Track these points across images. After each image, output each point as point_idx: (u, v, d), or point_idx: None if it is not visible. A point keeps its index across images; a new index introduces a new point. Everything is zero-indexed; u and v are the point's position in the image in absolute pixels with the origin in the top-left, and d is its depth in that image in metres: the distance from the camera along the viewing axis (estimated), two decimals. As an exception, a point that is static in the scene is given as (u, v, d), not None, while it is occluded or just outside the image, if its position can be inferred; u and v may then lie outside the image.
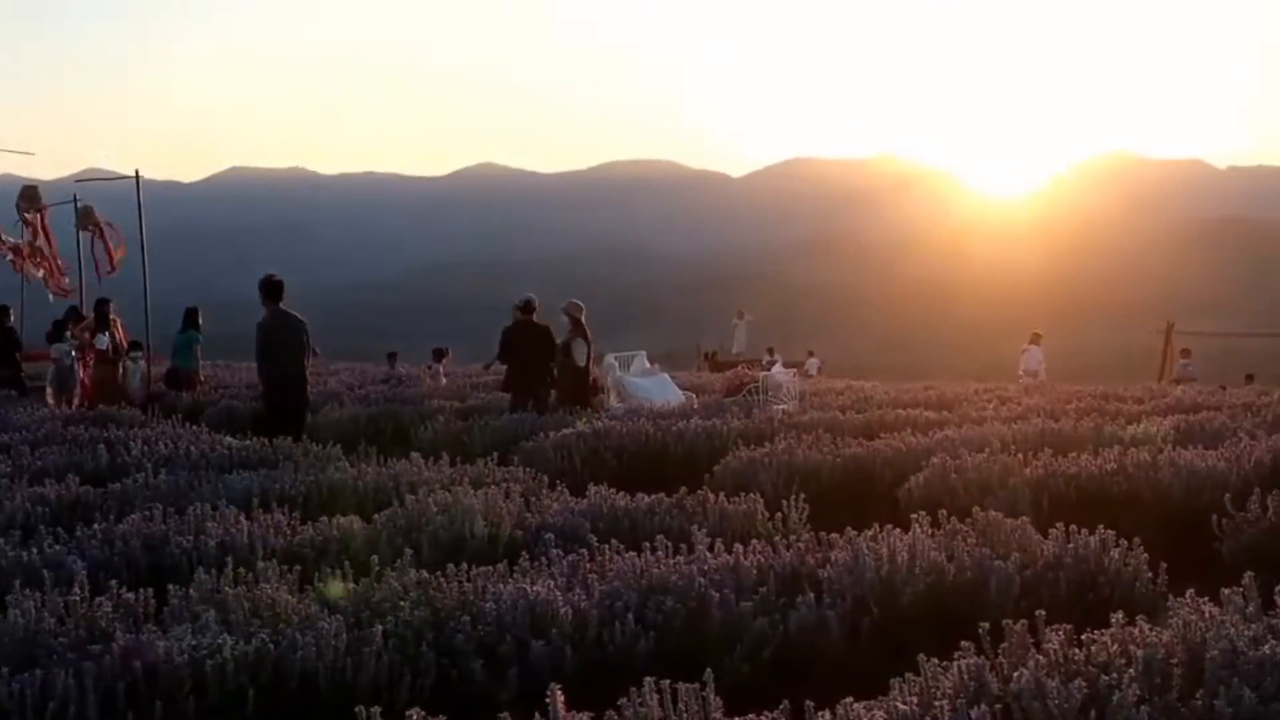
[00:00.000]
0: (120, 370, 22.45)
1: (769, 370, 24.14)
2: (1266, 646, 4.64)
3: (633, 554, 7.19)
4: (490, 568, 6.99)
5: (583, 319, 19.34)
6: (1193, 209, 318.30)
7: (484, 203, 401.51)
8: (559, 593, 6.40)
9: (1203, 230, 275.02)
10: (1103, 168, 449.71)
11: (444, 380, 27.81)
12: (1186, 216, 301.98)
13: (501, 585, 6.58)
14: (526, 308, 19.09)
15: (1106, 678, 4.46)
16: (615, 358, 21.12)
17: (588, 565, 7.11)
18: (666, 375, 21.87)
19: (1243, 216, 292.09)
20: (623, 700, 4.59)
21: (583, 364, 19.04)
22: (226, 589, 6.47)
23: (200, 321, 25.50)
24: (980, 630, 5.13)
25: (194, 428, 15.92)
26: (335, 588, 6.70)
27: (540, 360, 18.84)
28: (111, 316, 22.99)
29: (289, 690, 5.58)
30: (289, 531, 8.45)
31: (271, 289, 16.36)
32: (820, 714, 4.49)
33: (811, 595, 6.51)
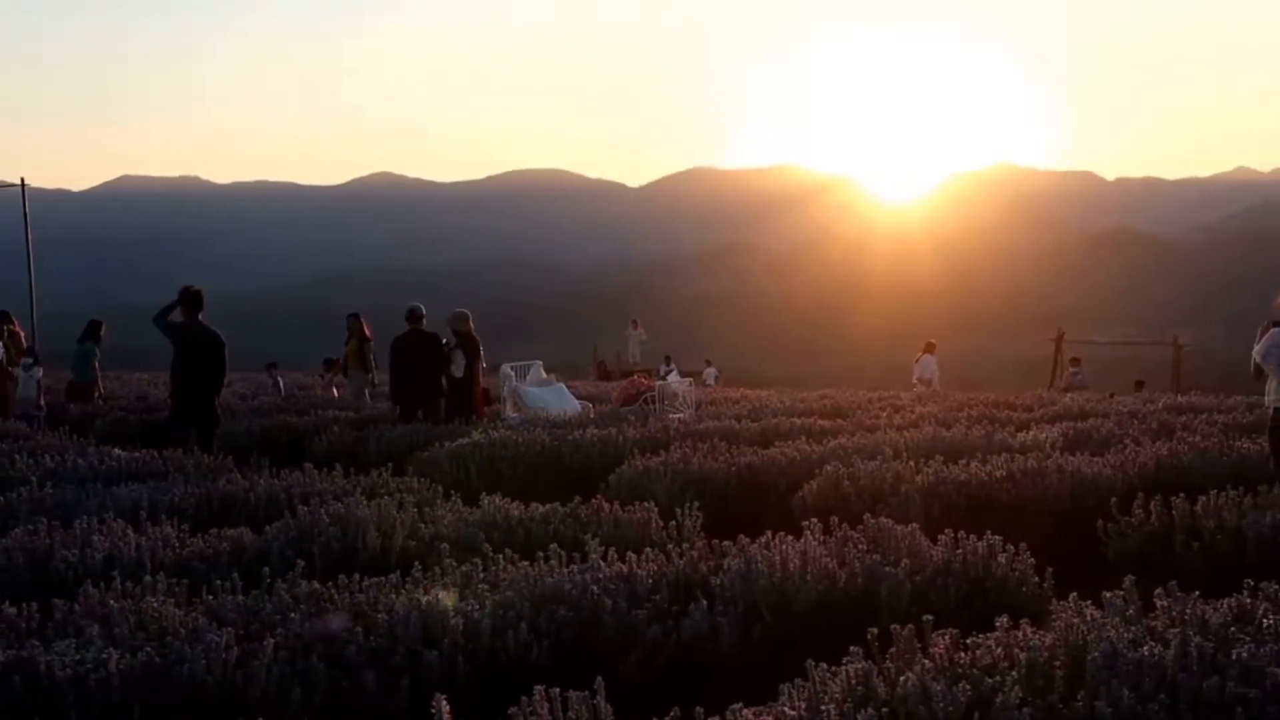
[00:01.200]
0: (10, 381, 22.00)
1: (665, 379, 24.23)
2: (1145, 648, 4.74)
3: (526, 563, 7.20)
4: (383, 578, 6.96)
5: (470, 329, 19.17)
6: (1083, 219, 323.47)
7: (381, 212, 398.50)
8: (451, 603, 6.39)
9: (1093, 240, 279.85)
10: (993, 177, 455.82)
11: (336, 391, 27.62)
12: (1078, 227, 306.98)
13: (394, 596, 6.56)
14: (412, 316, 18.91)
15: (991, 680, 4.53)
16: (511, 367, 21.06)
17: (481, 575, 7.11)
18: (563, 385, 21.82)
19: (1131, 227, 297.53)
20: (513, 709, 4.60)
21: (460, 375, 18.87)
22: (112, 602, 6.38)
23: (101, 334, 25.14)
24: (870, 635, 5.19)
25: (82, 440, 15.68)
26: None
27: (428, 369, 18.68)
28: (12, 328, 22.61)
29: (176, 704, 5.51)
30: (178, 544, 8.35)
31: (189, 300, 16.38)
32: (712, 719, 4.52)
33: (705, 603, 6.54)
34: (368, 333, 25.01)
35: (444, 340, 19.01)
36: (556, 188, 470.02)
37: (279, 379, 31.81)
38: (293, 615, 6.24)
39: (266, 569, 7.15)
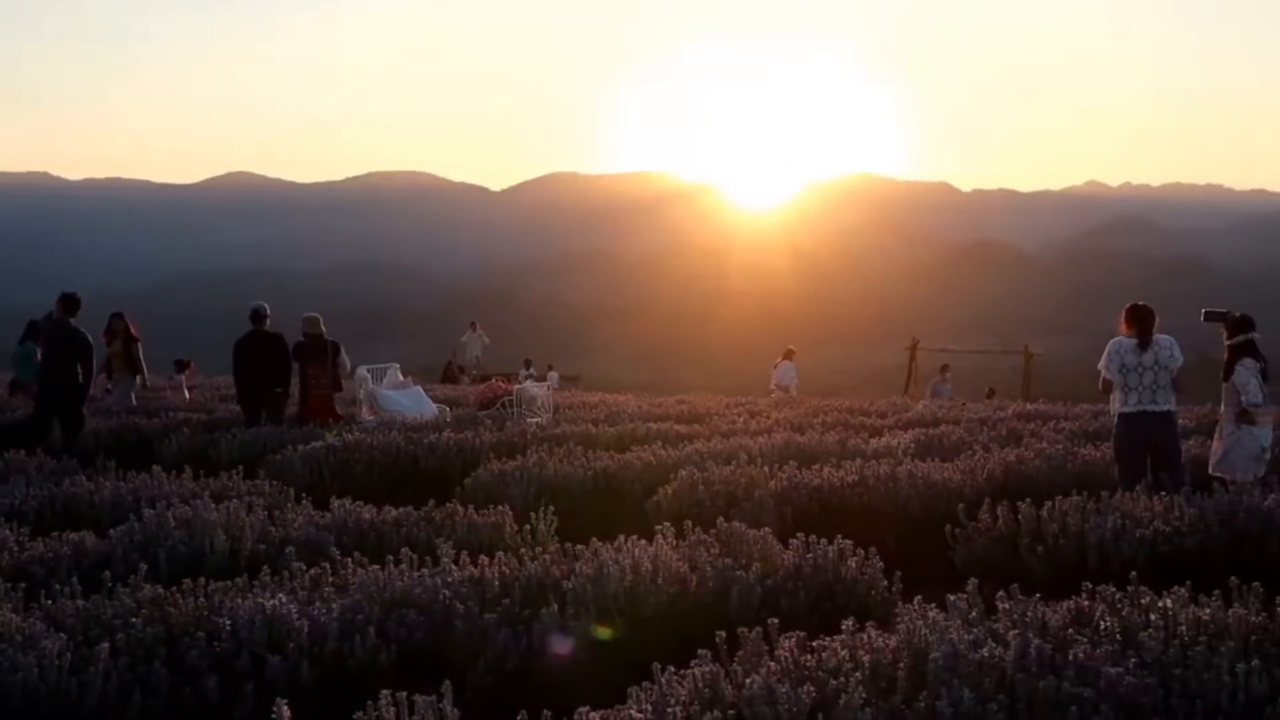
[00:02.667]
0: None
1: (524, 383, 24.15)
2: (985, 649, 4.82)
3: (376, 567, 7.12)
4: (229, 582, 6.85)
5: (321, 332, 18.84)
6: (939, 230, 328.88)
7: (238, 212, 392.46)
8: (298, 607, 6.30)
9: (950, 251, 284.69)
10: (852, 186, 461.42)
11: (187, 393, 27.03)
12: (934, 237, 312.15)
13: (239, 600, 6.45)
14: (255, 317, 18.54)
15: (835, 682, 4.58)
16: (368, 370, 20.84)
17: (330, 579, 7.03)
18: (420, 388, 21.65)
19: (987, 238, 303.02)
20: (358, 714, 4.55)
21: (313, 378, 18.59)
22: (-57, 607, 6.20)
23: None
24: (719, 638, 5.21)
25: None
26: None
27: (272, 371, 18.36)
28: None
29: (10, 712, 5.37)
30: (16, 548, 8.14)
31: (65, 302, 17.22)
32: (558, 723, 4.51)
33: (556, 606, 6.52)
34: (134, 332, 24.07)
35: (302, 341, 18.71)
36: (418, 190, 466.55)
37: (174, 377, 30.61)
38: (134, 620, 6.10)
39: (108, 573, 6.99)
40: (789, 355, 32.68)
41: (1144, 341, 11.32)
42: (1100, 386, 11.82)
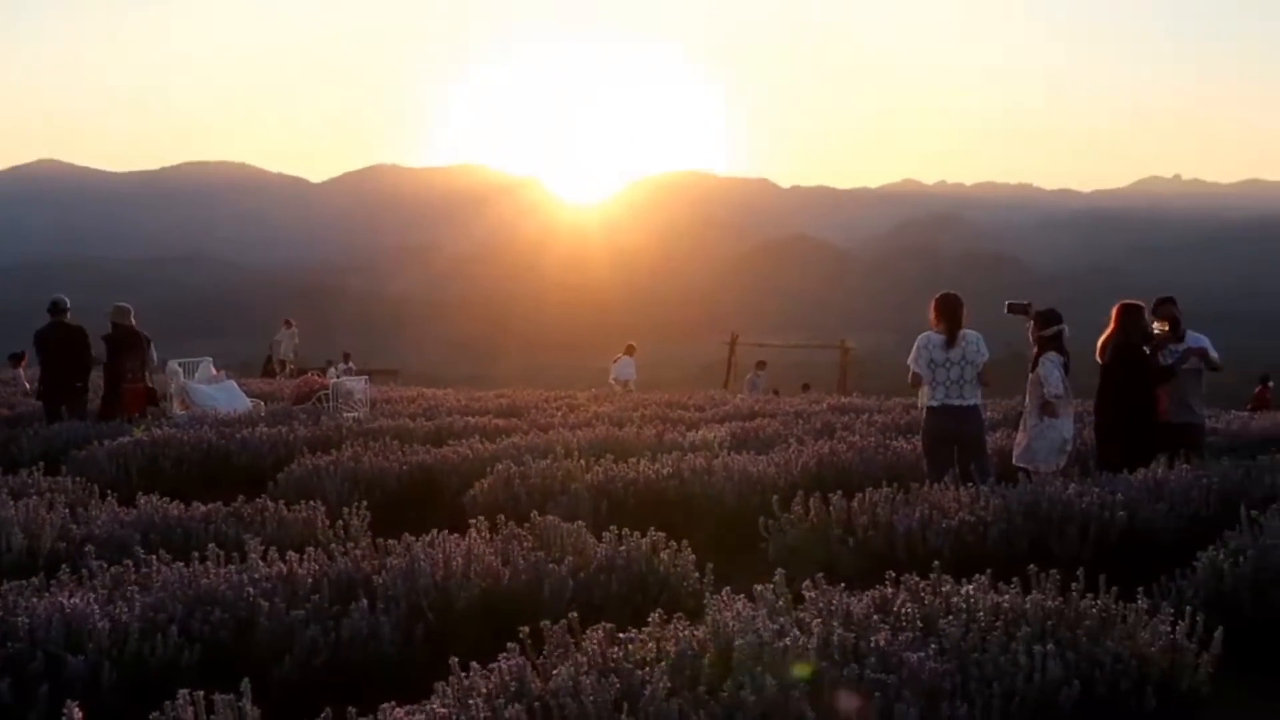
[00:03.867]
0: None
1: (342, 377, 23.87)
2: (789, 638, 4.88)
3: (181, 565, 6.97)
4: (26, 581, 6.65)
5: (130, 323, 18.32)
6: (760, 226, 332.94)
7: (46, 202, 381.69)
8: (98, 606, 6.13)
9: (771, 246, 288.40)
10: (675, 182, 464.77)
11: (28, 385, 26.17)
12: (755, 233, 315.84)
13: (35, 600, 6.26)
14: (55, 309, 18.04)
15: (641, 673, 4.59)
16: (180, 364, 20.39)
17: (133, 577, 6.85)
18: (234, 382, 21.26)
19: (806, 235, 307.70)
20: (154, 714, 4.45)
21: (127, 370, 18.15)
22: None
23: None
24: (525, 632, 5.20)
25: None
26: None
27: (72, 363, 17.86)
28: None
29: None
30: None
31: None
32: (361, 720, 4.45)
33: (366, 602, 6.44)
34: None
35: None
36: (236, 181, 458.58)
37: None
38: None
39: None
40: (629, 351, 32.79)
41: (951, 338, 11.57)
42: (909, 380, 12.07)
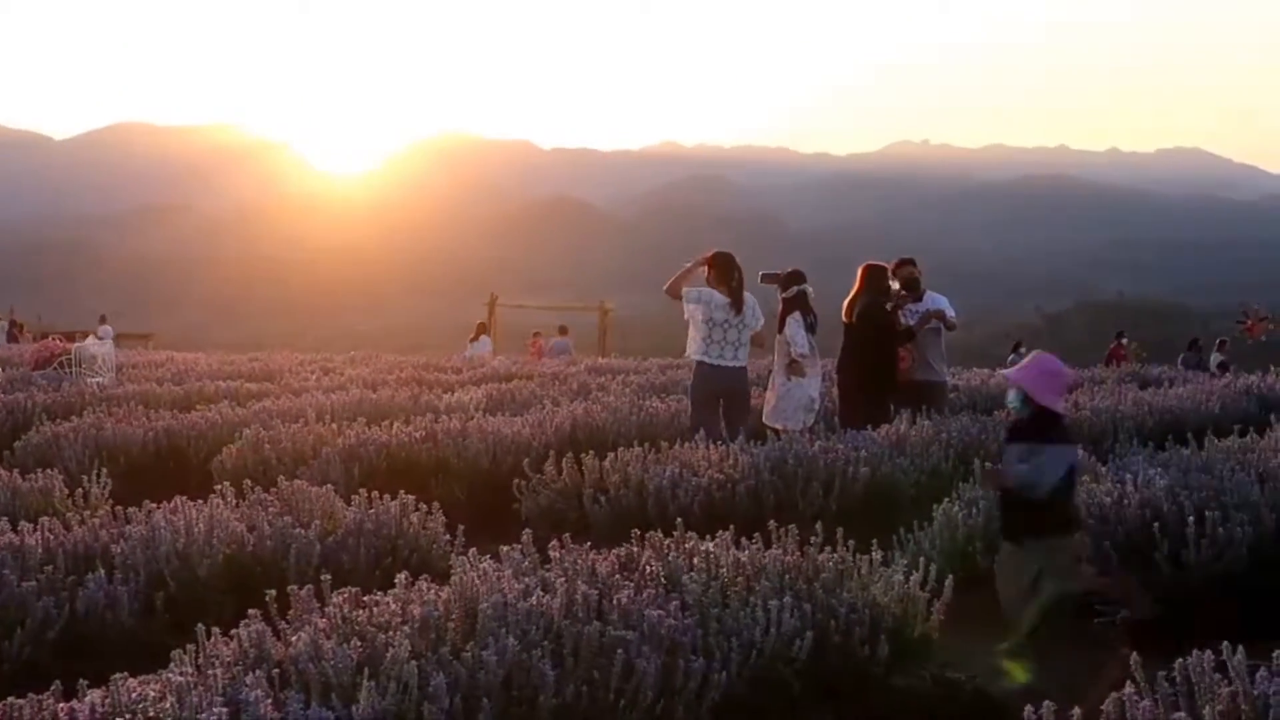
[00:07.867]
0: None
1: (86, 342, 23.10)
2: (534, 598, 4.91)
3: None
4: None
5: None
6: (523, 188, 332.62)
7: None
8: None
9: (534, 208, 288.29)
10: (437, 147, 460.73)
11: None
12: (516, 195, 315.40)
13: None
14: None
15: (385, 636, 4.57)
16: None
17: None
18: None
19: (568, 196, 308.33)
20: None
21: None
22: None
23: None
24: (271, 598, 5.13)
25: None
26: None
27: None
28: None
29: None
30: None
31: None
32: (93, 691, 4.33)
33: (103, 572, 6.28)
34: None
35: None
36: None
37: None
38: None
39: None
40: (482, 329, 32.91)
41: (738, 304, 11.68)
42: (667, 288, 11.91)
